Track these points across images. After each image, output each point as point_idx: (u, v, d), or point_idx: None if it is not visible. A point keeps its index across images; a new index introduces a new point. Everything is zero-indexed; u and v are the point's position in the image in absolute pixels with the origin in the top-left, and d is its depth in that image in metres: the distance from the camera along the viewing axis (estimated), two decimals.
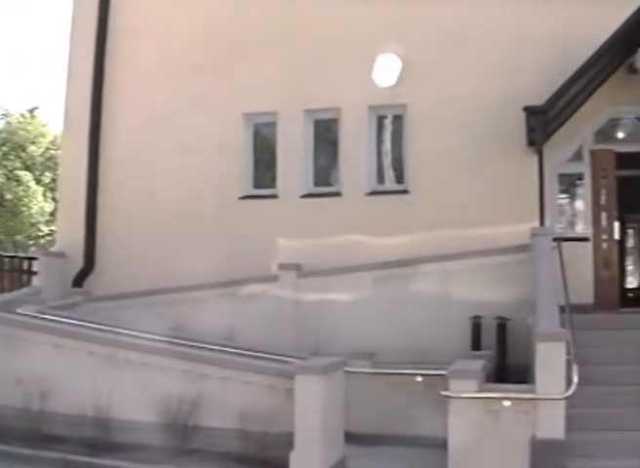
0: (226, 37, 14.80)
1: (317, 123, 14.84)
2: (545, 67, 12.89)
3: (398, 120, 14.35)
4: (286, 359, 10.14)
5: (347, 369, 10.02)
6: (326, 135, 14.91)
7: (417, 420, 10.48)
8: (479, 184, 13.27)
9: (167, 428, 9.53)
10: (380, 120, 14.54)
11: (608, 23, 11.91)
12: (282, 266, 13.31)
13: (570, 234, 13.32)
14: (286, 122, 14.61)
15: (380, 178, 14.46)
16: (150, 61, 15.17)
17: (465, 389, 8.33)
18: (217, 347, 10.87)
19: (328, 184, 14.65)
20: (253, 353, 10.62)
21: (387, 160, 14.51)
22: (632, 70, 12.93)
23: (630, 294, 19.09)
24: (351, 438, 9.83)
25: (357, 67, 14.03)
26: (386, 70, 14.01)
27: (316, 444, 8.57)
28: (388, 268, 12.75)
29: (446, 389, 8.43)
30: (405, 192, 13.94)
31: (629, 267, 21.92)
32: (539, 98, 11.79)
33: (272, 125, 14.85)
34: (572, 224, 13.94)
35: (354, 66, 14.04)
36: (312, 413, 8.63)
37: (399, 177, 14.32)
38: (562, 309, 9.63)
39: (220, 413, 9.42)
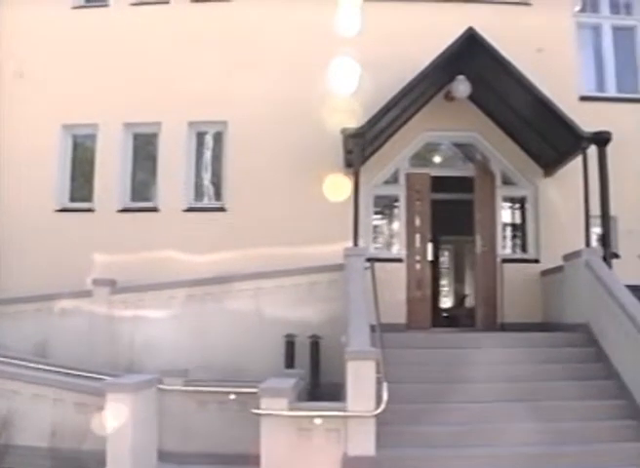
0: (48, 44, 14.82)
1: (137, 137, 15.04)
2: (366, 90, 13.56)
3: (219, 137, 14.79)
4: (99, 376, 10.29)
5: (160, 386, 10.25)
6: (146, 149, 15.08)
7: (231, 438, 10.57)
8: (297, 204, 13.88)
9: None
10: (201, 136, 14.91)
11: (429, 51, 12.83)
12: (96, 282, 13.32)
13: (385, 255, 14.21)
14: (105, 135, 14.77)
15: (199, 195, 14.80)
16: None
17: (276, 407, 8.64)
18: (29, 363, 10.85)
19: (146, 199, 14.79)
20: (66, 370, 10.69)
21: (207, 176, 14.86)
22: (449, 98, 14.05)
23: (445, 314, 20.30)
24: (165, 456, 10.03)
25: (178, 82, 14.38)
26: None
27: (128, 462, 8.73)
28: (203, 285, 13.02)
29: (258, 407, 8.70)
30: (222, 209, 14.35)
31: (444, 288, 23.23)
32: (359, 121, 12.39)
33: (92, 137, 14.92)
34: (389, 245, 14.74)
35: (175, 81, 14.40)
36: (124, 431, 8.78)
37: (218, 194, 14.71)
38: (374, 328, 10.11)
39: (33, 431, 9.47)
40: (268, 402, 8.68)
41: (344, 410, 8.68)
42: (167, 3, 15.04)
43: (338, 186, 13.47)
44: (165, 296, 13.08)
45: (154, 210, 14.50)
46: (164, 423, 10.14)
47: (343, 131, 12.43)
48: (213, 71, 14.42)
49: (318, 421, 8.70)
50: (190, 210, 14.46)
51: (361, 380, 8.73)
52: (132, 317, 13.01)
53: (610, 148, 12.66)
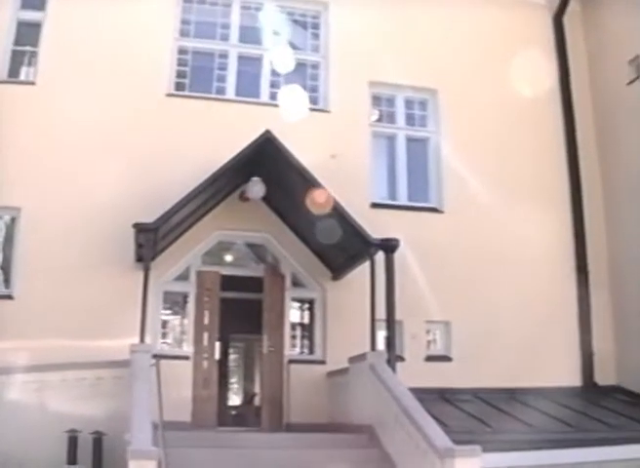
0: None
1: None
2: (161, 183, 14.22)
3: (13, 222, 14.70)
4: None
5: None
6: None
7: None
8: (86, 296, 13.92)
9: None
10: None
11: (227, 150, 13.61)
12: None
13: (172, 352, 14.52)
14: None
15: None
16: None
17: None
18: None
19: None
20: None
21: None
22: (244, 198, 14.71)
23: (233, 412, 20.84)
24: None
25: None
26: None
27: None
28: None
29: None
30: (10, 297, 14.17)
31: (234, 386, 23.73)
32: (151, 214, 12.74)
33: None
34: (177, 342, 15.01)
35: None
36: None
37: (7, 281, 14.50)
38: (158, 426, 10.44)
39: None
40: None
41: None
42: None
43: (129, 280, 13.76)
44: None
45: None
46: None
47: (135, 225, 12.75)
48: (10, 154, 14.45)
49: None
50: None
51: None
52: None
53: (397, 254, 13.68)
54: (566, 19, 18.43)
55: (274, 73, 16.77)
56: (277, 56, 16.83)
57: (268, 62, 16.79)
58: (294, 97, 16.36)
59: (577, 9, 18.68)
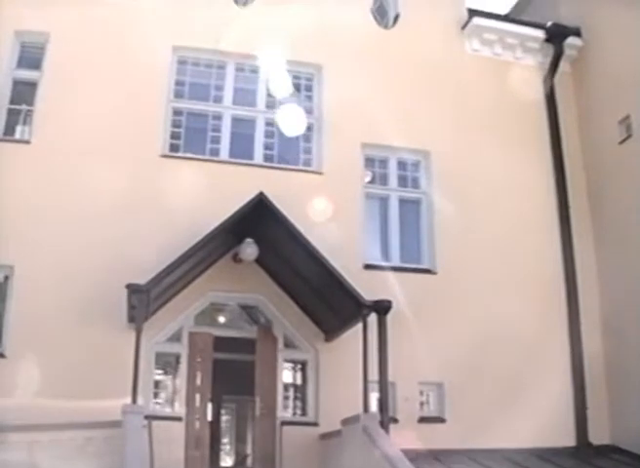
0: None
1: None
2: (154, 244, 14.50)
3: (5, 281, 14.77)
4: None
5: None
6: None
7: None
8: (78, 355, 13.97)
9: None
10: None
11: (221, 211, 13.94)
12: None
13: (165, 413, 14.59)
14: None
15: None
16: None
17: None
18: None
19: None
20: None
21: None
22: (237, 260, 14.96)
23: None
24: None
25: None
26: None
27: None
28: None
29: None
30: (1, 356, 14.16)
31: (226, 446, 23.75)
32: (144, 275, 12.93)
33: None
34: (169, 403, 15.03)
35: None
36: None
37: None
38: None
39: None
40: None
41: None
42: None
43: (121, 340, 13.78)
44: None
45: None
46: None
47: (128, 286, 12.89)
48: (4, 212, 14.47)
49: None
50: None
51: None
52: None
53: (390, 316, 13.86)
54: (557, 80, 18.90)
55: (268, 135, 17.09)
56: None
57: (262, 124, 17.13)
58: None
59: (567, 70, 19.22)
